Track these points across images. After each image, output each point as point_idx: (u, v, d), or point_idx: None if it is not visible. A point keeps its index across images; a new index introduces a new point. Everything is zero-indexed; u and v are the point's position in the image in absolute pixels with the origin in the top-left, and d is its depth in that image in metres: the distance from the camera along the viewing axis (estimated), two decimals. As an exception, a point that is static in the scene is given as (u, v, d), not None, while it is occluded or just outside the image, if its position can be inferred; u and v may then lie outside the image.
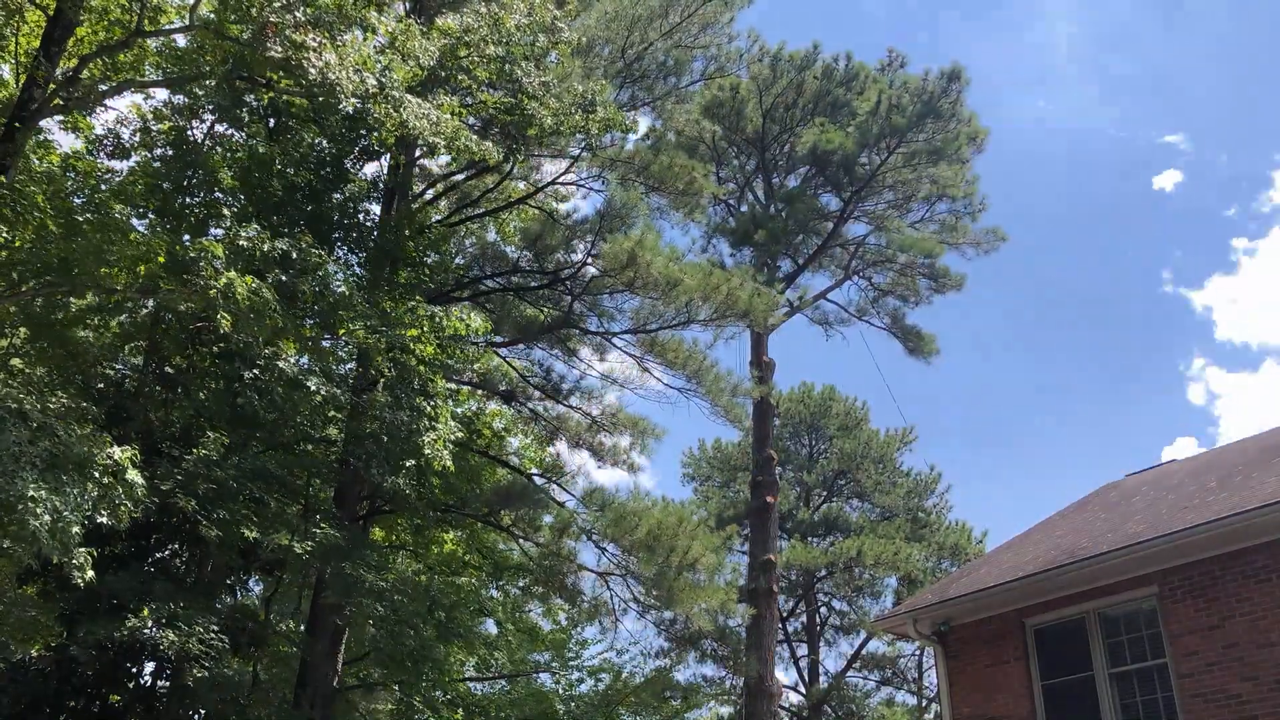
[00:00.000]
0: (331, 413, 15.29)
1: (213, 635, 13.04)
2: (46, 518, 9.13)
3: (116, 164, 16.13)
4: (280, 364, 13.63)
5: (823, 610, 36.48)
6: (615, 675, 25.41)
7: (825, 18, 64.12)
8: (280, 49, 11.42)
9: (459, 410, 18.84)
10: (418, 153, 18.11)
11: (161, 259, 11.35)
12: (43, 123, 13.81)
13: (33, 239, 11.46)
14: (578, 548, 19.69)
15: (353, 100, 12.02)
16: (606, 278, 18.32)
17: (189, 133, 16.44)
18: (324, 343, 14.96)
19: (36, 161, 14.42)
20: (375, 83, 12.11)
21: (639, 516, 18.52)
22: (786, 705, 32.80)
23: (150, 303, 14.14)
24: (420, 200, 18.86)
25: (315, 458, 16.90)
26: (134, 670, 15.56)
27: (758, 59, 29.16)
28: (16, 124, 11.87)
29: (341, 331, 13.64)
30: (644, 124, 21.07)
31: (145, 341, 16.19)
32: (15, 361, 15.19)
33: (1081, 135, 68.71)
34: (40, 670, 14.71)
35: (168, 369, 16.07)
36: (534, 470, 20.28)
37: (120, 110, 18.76)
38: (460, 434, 15.01)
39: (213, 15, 12.79)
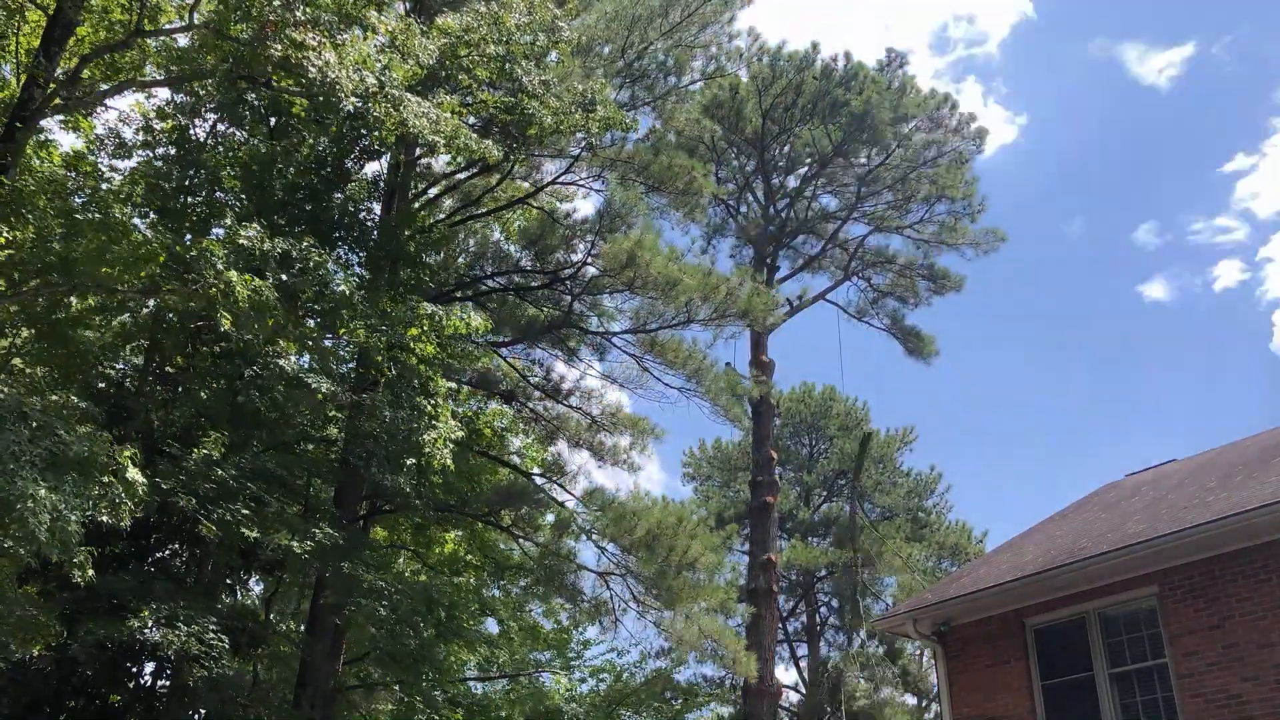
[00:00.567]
0: (332, 412, 15.29)
1: (213, 635, 13.02)
2: (46, 517, 9.12)
3: (118, 163, 16.16)
4: (280, 363, 13.62)
5: (823, 610, 36.49)
6: (616, 675, 25.43)
7: (824, 18, 64.12)
8: (280, 48, 11.42)
9: (459, 410, 18.83)
10: (418, 152, 18.10)
11: (162, 259, 11.35)
12: (43, 123, 13.81)
13: (34, 239, 11.47)
14: (578, 547, 19.74)
15: (353, 99, 12.01)
16: (606, 277, 18.33)
17: (191, 132, 16.44)
18: (324, 342, 14.96)
19: (37, 161, 14.42)
20: (375, 82, 12.12)
21: (639, 516, 18.53)
22: (786, 705, 32.80)
23: (151, 302, 14.14)
24: (421, 199, 18.86)
25: (315, 457, 16.90)
26: (134, 670, 15.54)
27: (757, 58, 29.17)
28: (17, 124, 11.87)
29: (341, 331, 13.63)
30: (644, 124, 21.09)
31: (146, 341, 16.18)
32: (16, 361, 15.20)
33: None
34: (40, 670, 14.69)
35: (168, 368, 16.07)
36: (534, 470, 20.29)
37: (122, 109, 18.79)
38: (460, 433, 14.99)
39: (213, 15, 12.79)
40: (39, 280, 11.82)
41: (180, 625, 12.73)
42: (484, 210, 19.41)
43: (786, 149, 30.92)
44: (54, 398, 12.01)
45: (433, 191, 19.43)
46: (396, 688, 18.64)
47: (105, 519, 10.54)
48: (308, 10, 11.55)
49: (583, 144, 17.75)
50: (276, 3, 11.32)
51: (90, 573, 10.34)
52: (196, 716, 15.56)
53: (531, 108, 15.22)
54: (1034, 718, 12.40)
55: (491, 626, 22.17)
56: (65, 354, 14.81)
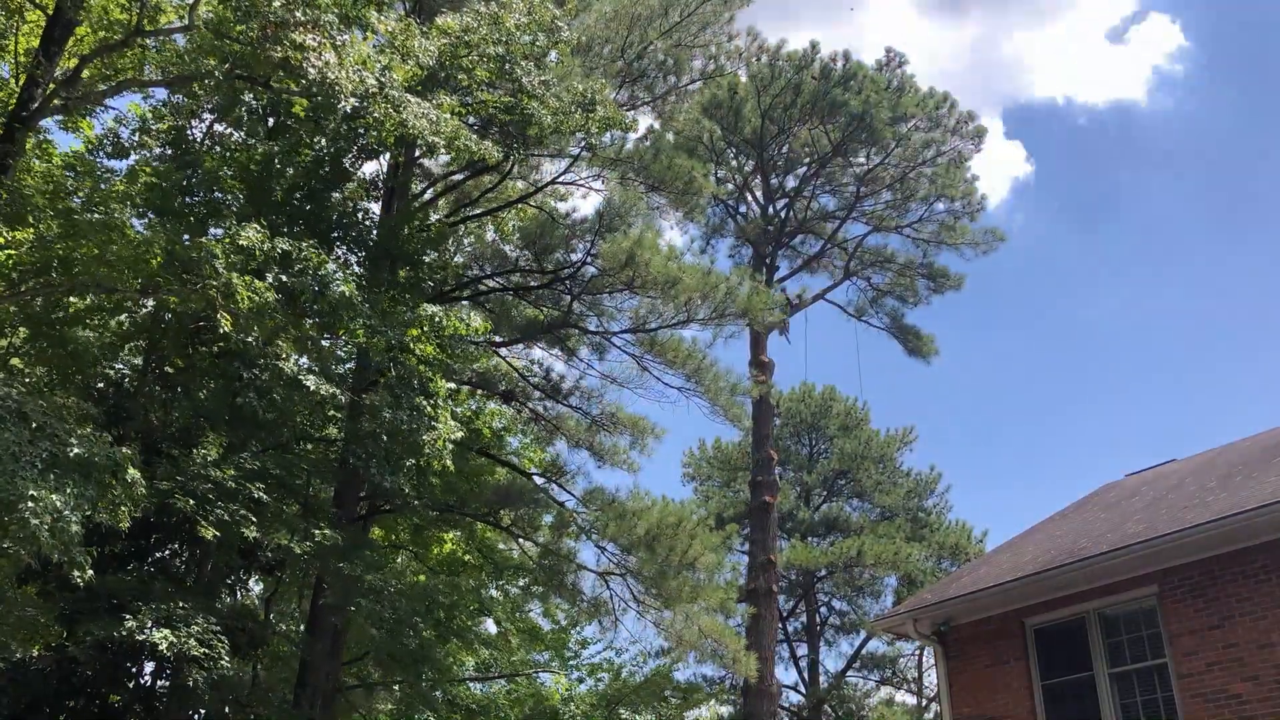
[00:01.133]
0: (331, 412, 15.28)
1: (212, 635, 13.02)
2: (47, 517, 9.12)
3: (116, 163, 16.14)
4: (280, 364, 13.61)
5: (823, 610, 36.49)
6: (615, 675, 25.44)
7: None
8: (280, 49, 11.42)
9: (459, 410, 18.83)
10: (417, 152, 18.09)
11: (160, 259, 11.34)
12: (43, 123, 13.81)
13: (33, 239, 11.46)
14: (577, 547, 19.72)
15: (352, 100, 12.01)
16: (606, 277, 18.31)
17: (189, 132, 16.43)
18: (324, 343, 14.96)
19: (37, 161, 14.42)
20: (375, 82, 12.11)
21: (638, 516, 18.52)
22: (786, 705, 32.81)
23: (150, 303, 14.13)
24: (420, 200, 18.85)
25: (315, 458, 16.89)
26: (134, 670, 15.53)
27: (756, 57, 29.16)
28: (16, 124, 11.88)
29: (341, 331, 13.63)
30: (644, 123, 21.09)
31: (145, 341, 16.16)
32: (15, 361, 15.19)
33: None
34: (40, 670, 14.68)
35: (167, 369, 16.06)
36: (534, 470, 20.28)
37: (120, 110, 18.77)
38: (460, 433, 14.98)
39: (213, 15, 12.79)
40: (37, 280, 11.82)
41: (180, 625, 12.73)
42: (483, 210, 19.41)
43: (785, 149, 30.92)
44: (55, 398, 11.99)
45: (432, 192, 19.42)
46: (396, 688, 18.65)
47: (105, 519, 10.55)
48: (308, 11, 11.54)
49: (582, 144, 17.73)
50: (277, 4, 11.31)
51: (90, 573, 10.33)
52: (196, 717, 15.56)
53: (531, 108, 15.21)
54: (1034, 718, 12.40)
55: (490, 627, 22.18)
56: (64, 354, 14.81)
